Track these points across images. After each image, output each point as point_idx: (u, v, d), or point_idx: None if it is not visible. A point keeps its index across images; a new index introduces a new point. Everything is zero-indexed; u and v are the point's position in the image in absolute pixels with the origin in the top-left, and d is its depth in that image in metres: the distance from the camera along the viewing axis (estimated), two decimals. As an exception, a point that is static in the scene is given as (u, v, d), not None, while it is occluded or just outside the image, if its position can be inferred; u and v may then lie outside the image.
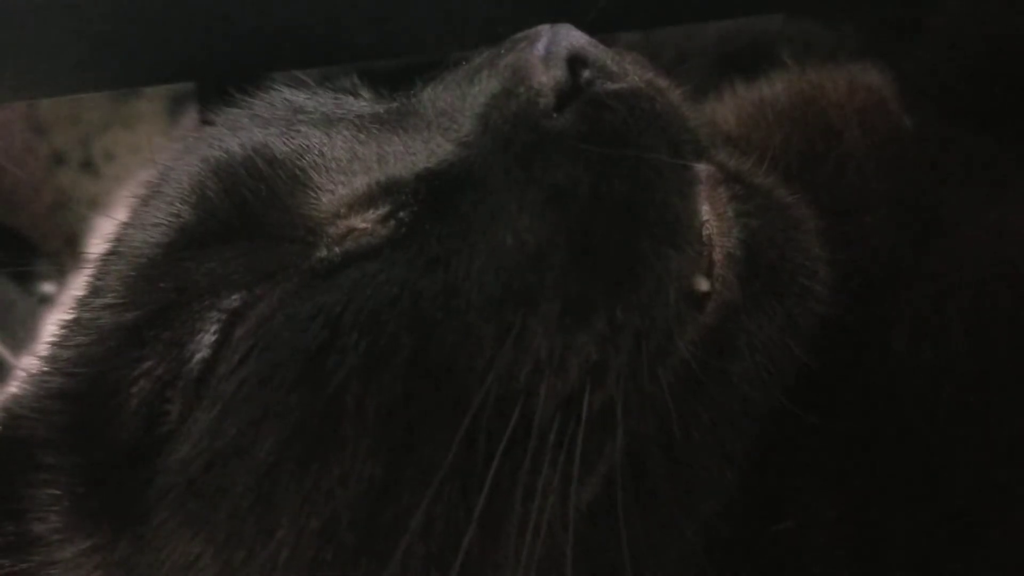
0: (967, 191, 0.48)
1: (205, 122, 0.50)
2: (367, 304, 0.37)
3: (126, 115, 0.91)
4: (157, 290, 0.40)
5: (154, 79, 0.71)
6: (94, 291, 0.44)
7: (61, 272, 0.76)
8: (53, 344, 0.44)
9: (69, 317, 0.45)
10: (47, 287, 0.83)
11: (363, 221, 0.40)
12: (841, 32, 0.73)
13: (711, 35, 0.77)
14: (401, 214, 0.39)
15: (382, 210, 0.40)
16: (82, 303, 0.44)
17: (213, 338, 0.38)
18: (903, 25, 0.60)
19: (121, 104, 0.91)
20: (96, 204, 0.91)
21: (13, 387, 0.45)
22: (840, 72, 0.57)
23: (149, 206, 0.45)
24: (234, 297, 0.38)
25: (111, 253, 0.45)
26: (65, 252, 0.86)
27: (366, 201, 0.40)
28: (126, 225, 0.46)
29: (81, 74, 0.66)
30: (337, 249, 0.39)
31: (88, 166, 0.92)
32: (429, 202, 0.39)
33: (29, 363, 0.45)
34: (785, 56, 0.59)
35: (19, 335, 0.73)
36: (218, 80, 0.52)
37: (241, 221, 0.40)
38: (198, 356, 0.38)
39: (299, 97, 0.47)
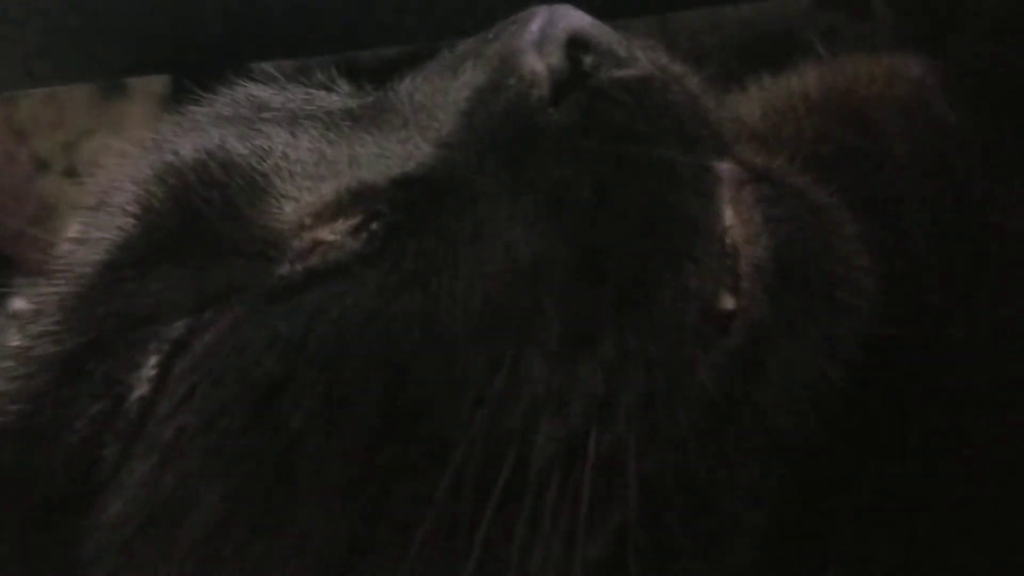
0: (1019, 189, 0.45)
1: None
2: (331, 332, 0.34)
3: (112, 119, 0.89)
4: (94, 316, 0.36)
5: (133, 70, 0.73)
6: (34, 316, 0.40)
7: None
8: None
9: (15, 343, 0.40)
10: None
11: (331, 233, 0.36)
12: (871, 21, 0.70)
13: (734, 24, 0.75)
14: (374, 225, 0.36)
15: (352, 220, 0.36)
16: (23, 329, 0.40)
17: (152, 372, 0.35)
18: (943, 12, 0.57)
19: (106, 107, 0.89)
20: (81, 214, 0.90)
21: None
22: (877, 63, 0.54)
23: (96, 218, 0.41)
24: (178, 324, 0.35)
25: (54, 272, 0.41)
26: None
27: (335, 210, 0.37)
28: (71, 240, 0.42)
29: (59, 66, 0.68)
30: (300, 266, 0.36)
31: (72, 173, 0.90)
32: (406, 212, 0.36)
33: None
34: (817, 46, 0.56)
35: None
36: (195, 73, 0.50)
37: (191, 234, 0.37)
38: (136, 394, 0.35)
39: (265, 93, 0.44)
